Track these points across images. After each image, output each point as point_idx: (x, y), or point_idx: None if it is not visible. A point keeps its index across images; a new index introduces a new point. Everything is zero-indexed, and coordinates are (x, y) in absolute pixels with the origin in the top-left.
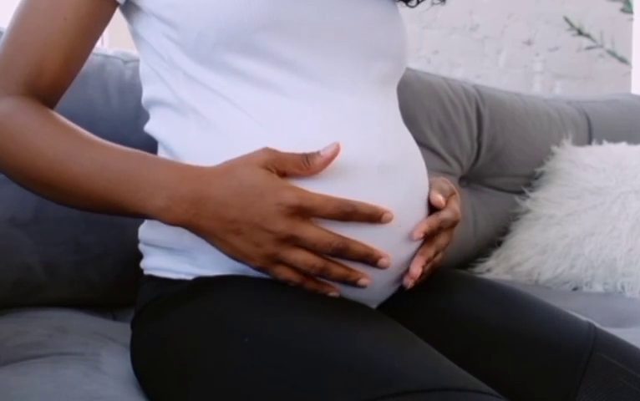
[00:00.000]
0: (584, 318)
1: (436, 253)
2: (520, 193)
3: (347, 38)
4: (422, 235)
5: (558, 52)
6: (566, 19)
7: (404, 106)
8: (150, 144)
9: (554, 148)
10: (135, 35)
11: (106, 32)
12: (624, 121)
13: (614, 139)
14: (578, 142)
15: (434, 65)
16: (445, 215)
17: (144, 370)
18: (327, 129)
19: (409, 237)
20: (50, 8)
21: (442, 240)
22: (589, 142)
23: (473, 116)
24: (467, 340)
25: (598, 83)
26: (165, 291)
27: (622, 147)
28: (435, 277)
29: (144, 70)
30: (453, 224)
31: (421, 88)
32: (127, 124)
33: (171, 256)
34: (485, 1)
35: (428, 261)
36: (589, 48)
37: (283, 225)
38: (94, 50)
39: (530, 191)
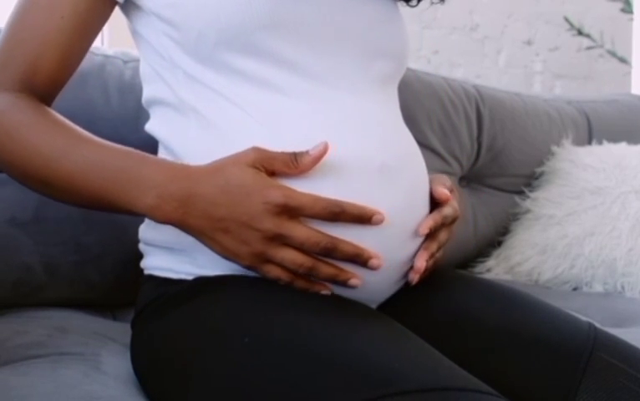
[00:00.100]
0: (584, 318)
1: (438, 248)
2: (520, 193)
3: (348, 38)
4: (427, 230)
5: (558, 52)
6: (566, 19)
7: (404, 106)
8: (150, 144)
9: (554, 148)
10: (135, 34)
11: (106, 32)
12: (624, 121)
13: (614, 139)
14: (578, 142)
15: (434, 65)
16: (447, 211)
17: (144, 370)
18: (328, 128)
19: (410, 237)
20: (48, 5)
21: (443, 236)
22: (589, 142)
23: (473, 116)
24: (467, 340)
25: (598, 83)
26: (166, 291)
27: (622, 147)
28: (435, 277)
29: (144, 70)
30: (453, 220)
31: (421, 88)
32: (127, 124)
33: (171, 255)
34: (485, 1)
35: (431, 256)
36: (589, 48)
37: (270, 224)
38: (94, 50)
39: (530, 191)
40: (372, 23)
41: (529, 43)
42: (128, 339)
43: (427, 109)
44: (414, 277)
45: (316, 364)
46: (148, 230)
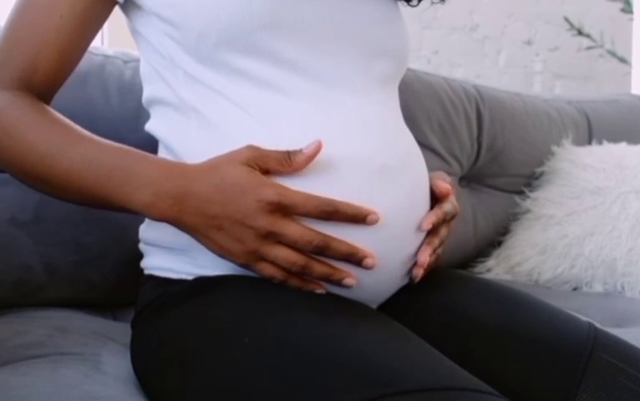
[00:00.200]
0: (584, 318)
1: (440, 244)
2: (520, 193)
3: (349, 38)
4: (430, 226)
5: (558, 52)
6: (566, 19)
7: (404, 106)
8: (151, 144)
9: (554, 148)
10: (135, 33)
11: (106, 32)
12: (624, 121)
13: (614, 139)
14: (578, 142)
15: (434, 65)
16: (447, 207)
17: (145, 370)
18: (328, 129)
19: (411, 237)
20: (47, 4)
21: (444, 231)
22: (589, 142)
23: (473, 116)
24: (467, 340)
25: (598, 83)
26: (166, 290)
27: (622, 147)
28: (435, 277)
29: (144, 69)
30: (452, 217)
31: (421, 88)
32: (127, 124)
33: (172, 255)
34: (485, 1)
35: (433, 251)
36: (589, 48)
37: (263, 222)
38: (94, 50)
39: (530, 191)
40: (372, 23)
41: (529, 43)
42: (128, 339)
43: (427, 109)
44: (419, 273)
45: (316, 364)
46: (148, 230)
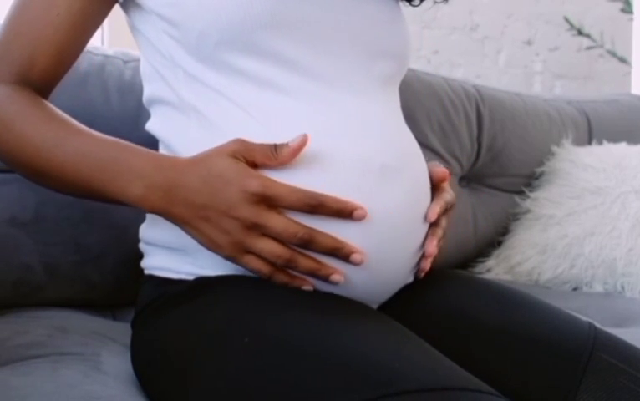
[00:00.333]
0: (584, 318)
1: (443, 234)
2: (520, 193)
3: (350, 38)
4: (436, 216)
5: (558, 52)
6: (566, 19)
7: (404, 106)
8: (151, 144)
9: (554, 148)
10: (135, 30)
11: (106, 32)
12: (624, 121)
13: (614, 139)
14: (578, 142)
15: (434, 65)
16: (447, 197)
17: (145, 370)
18: (329, 129)
19: (411, 236)
20: (45, 1)
21: (445, 222)
22: (589, 142)
23: (473, 116)
24: (467, 340)
25: (598, 83)
26: (166, 290)
27: (622, 147)
28: (435, 277)
29: (144, 68)
30: (452, 206)
31: (421, 88)
32: (127, 124)
33: (172, 255)
34: (485, 1)
35: (438, 242)
36: (589, 48)
37: (247, 213)
38: (94, 50)
39: (530, 191)
40: (374, 23)
41: (529, 43)
42: (128, 339)
43: (427, 109)
44: (427, 265)
45: (316, 364)
46: (148, 230)
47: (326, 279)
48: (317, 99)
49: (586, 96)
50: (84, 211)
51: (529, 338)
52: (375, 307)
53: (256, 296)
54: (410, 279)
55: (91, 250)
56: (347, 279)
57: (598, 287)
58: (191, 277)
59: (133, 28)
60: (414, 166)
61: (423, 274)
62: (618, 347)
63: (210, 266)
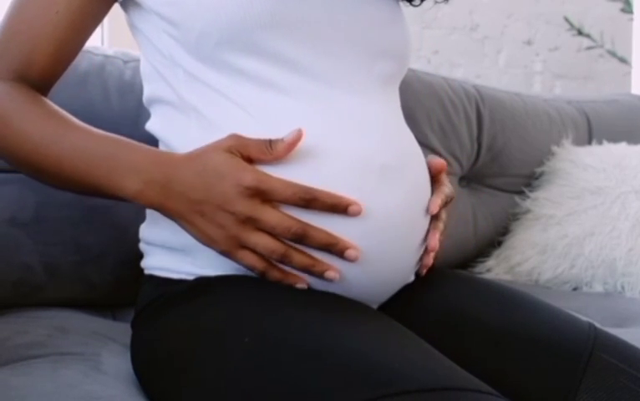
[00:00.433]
0: (584, 318)
1: (444, 227)
2: (520, 193)
3: (350, 38)
4: (438, 209)
5: (558, 52)
6: (566, 19)
7: (404, 106)
8: (151, 144)
9: (554, 148)
10: (134, 29)
11: (106, 32)
12: (624, 121)
13: (614, 139)
14: (578, 142)
15: (434, 65)
16: (446, 190)
17: (145, 370)
18: (329, 129)
19: (411, 236)
20: (44, 0)
21: (445, 215)
22: (589, 142)
23: (473, 116)
24: (467, 340)
25: (598, 83)
26: (166, 291)
27: (622, 147)
28: (435, 277)
29: (144, 68)
30: (451, 199)
31: (421, 88)
32: (127, 124)
33: (172, 255)
34: (485, 1)
35: (440, 235)
36: (589, 48)
37: (242, 206)
38: (94, 50)
39: (530, 191)
40: (374, 23)
41: (529, 43)
42: (128, 339)
43: (427, 109)
44: (429, 260)
45: (316, 364)
46: (148, 230)
47: (321, 276)
48: (317, 99)
49: (586, 96)
50: (84, 211)
51: (529, 338)
52: (375, 306)
53: (256, 296)
54: (410, 279)
55: (91, 250)
56: (343, 276)
57: (598, 287)
58: (191, 277)
59: (132, 27)
60: (414, 166)
61: (425, 270)
62: (618, 347)
63: (210, 266)
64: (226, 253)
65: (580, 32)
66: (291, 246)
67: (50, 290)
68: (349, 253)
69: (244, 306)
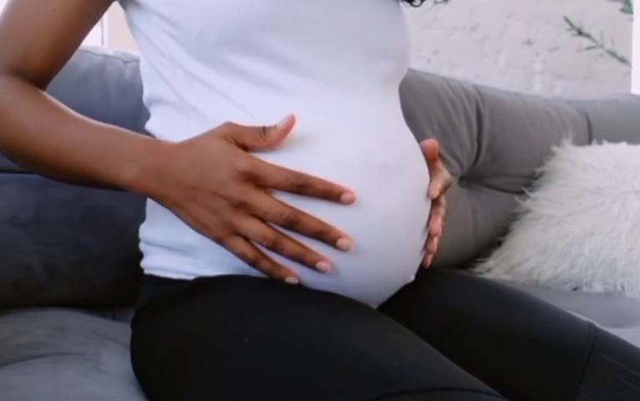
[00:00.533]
0: (584, 318)
1: (445, 212)
2: (520, 193)
3: (350, 38)
4: (438, 192)
5: (558, 52)
6: (566, 19)
7: (404, 106)
8: None
9: (554, 148)
10: (134, 28)
11: (106, 32)
12: (624, 121)
13: (614, 139)
14: (578, 142)
15: (434, 65)
16: (445, 175)
17: (145, 370)
18: (329, 129)
19: (411, 235)
20: None
21: (444, 201)
22: (589, 142)
23: (473, 116)
24: (467, 340)
25: (598, 83)
26: (166, 291)
27: (622, 147)
28: (435, 277)
29: (144, 67)
30: (449, 184)
31: (421, 88)
32: (127, 124)
33: (172, 255)
34: (485, 1)
35: (442, 220)
36: (589, 48)
37: (235, 191)
38: (94, 50)
39: (530, 191)
40: (374, 23)
41: (529, 43)
42: (128, 339)
43: (427, 109)
44: (433, 246)
45: (316, 364)
46: (148, 230)
47: (312, 266)
48: (316, 99)
49: (586, 96)
50: (84, 211)
51: (529, 338)
52: (375, 306)
53: (257, 296)
54: (410, 279)
55: (91, 250)
56: (336, 269)
57: (598, 287)
58: (191, 277)
59: (132, 26)
60: (414, 166)
61: (431, 257)
62: (618, 347)
63: (209, 266)
64: (218, 240)
65: (580, 32)
66: (283, 234)
67: (50, 290)
68: (341, 242)
69: (244, 306)
